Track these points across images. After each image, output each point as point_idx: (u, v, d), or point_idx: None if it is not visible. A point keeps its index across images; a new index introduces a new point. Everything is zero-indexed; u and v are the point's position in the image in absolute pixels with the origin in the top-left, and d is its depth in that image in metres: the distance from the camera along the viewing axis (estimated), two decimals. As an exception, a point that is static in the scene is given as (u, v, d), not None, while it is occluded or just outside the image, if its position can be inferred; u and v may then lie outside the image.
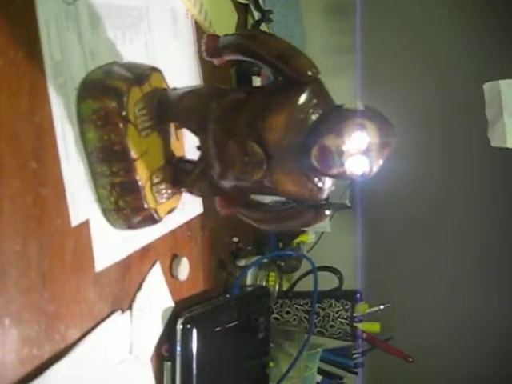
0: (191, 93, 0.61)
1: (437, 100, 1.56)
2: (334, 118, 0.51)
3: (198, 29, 0.94)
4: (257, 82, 1.12)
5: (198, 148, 0.60)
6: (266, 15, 1.22)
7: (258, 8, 1.20)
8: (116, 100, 0.58)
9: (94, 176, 0.61)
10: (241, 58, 0.58)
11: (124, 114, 0.58)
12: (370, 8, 1.47)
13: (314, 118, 0.52)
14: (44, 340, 0.54)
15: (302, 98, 0.52)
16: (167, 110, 0.61)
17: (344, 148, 0.50)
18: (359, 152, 0.51)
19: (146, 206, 0.62)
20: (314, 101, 0.53)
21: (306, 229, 1.31)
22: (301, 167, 0.54)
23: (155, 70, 0.65)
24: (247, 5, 1.20)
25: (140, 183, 0.61)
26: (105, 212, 0.63)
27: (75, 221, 0.59)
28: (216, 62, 0.62)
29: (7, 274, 0.50)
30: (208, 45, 0.62)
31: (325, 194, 0.57)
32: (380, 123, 0.51)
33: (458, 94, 1.51)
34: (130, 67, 0.63)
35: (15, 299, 0.51)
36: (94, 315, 0.63)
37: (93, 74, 0.60)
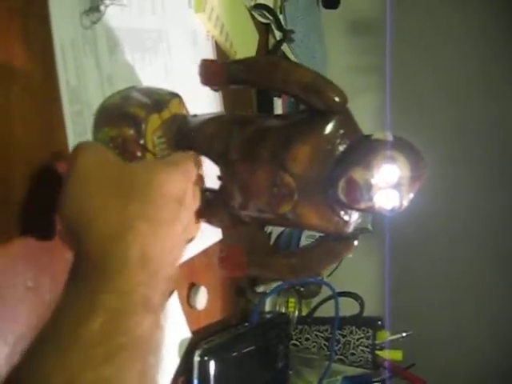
0: (212, 120, 0.58)
1: (472, 120, 1.53)
2: (363, 149, 0.49)
3: (219, 50, 0.92)
4: (278, 103, 1.10)
5: (219, 178, 0.57)
6: (287, 35, 1.20)
7: (280, 28, 1.18)
8: (134, 128, 0.55)
9: None
10: (253, 87, 0.56)
11: (142, 142, 0.55)
12: (397, 26, 1.45)
13: (341, 148, 0.50)
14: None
15: (329, 128, 0.50)
16: (187, 138, 0.58)
17: (373, 181, 0.47)
18: (389, 186, 0.48)
19: None
20: (342, 131, 0.50)
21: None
22: (326, 200, 0.51)
23: (175, 95, 0.63)
24: (268, 24, 1.18)
25: None
26: None
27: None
28: (214, 89, 0.60)
29: (18, 311, 0.48)
30: (206, 72, 0.58)
31: (351, 228, 0.54)
32: (410, 156, 0.48)
33: (493, 111, 1.49)
34: (149, 92, 0.60)
35: (26, 337, 0.48)
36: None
37: (110, 100, 0.58)
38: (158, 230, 0.42)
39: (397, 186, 0.48)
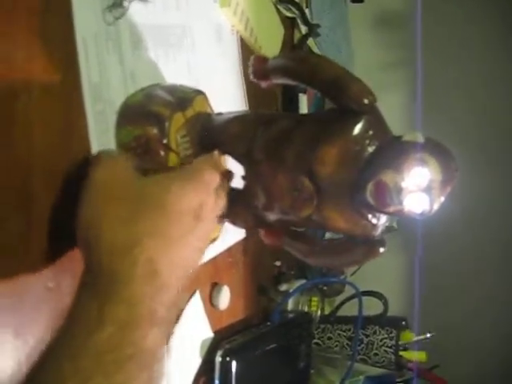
0: (237, 119, 0.57)
1: (504, 118, 1.50)
2: (393, 151, 0.47)
3: (244, 45, 0.90)
4: (303, 99, 1.09)
5: (243, 178, 0.56)
6: (313, 29, 1.18)
7: (306, 22, 1.16)
8: (157, 126, 0.54)
9: None
10: (290, 82, 0.54)
11: (165, 141, 0.54)
12: (427, 20, 1.42)
13: (370, 150, 0.48)
14: None
15: (358, 129, 0.48)
16: (211, 136, 0.57)
17: (403, 185, 0.46)
18: (419, 189, 0.46)
19: None
20: (371, 132, 0.48)
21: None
22: (354, 203, 0.49)
23: (199, 92, 0.62)
24: (294, 19, 1.16)
25: None
26: None
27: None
28: (263, 84, 0.59)
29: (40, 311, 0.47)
30: (255, 66, 0.58)
31: (379, 231, 0.52)
32: (442, 158, 0.47)
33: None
34: (173, 90, 0.59)
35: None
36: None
37: (133, 98, 0.57)
38: (167, 245, 0.43)
39: (427, 190, 0.46)
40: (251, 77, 0.59)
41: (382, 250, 0.53)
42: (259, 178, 0.54)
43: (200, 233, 0.47)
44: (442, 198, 0.47)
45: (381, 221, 0.51)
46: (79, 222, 0.44)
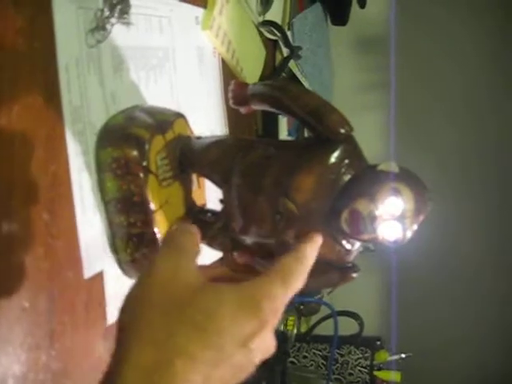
0: (216, 144, 0.58)
1: (475, 139, 1.53)
2: (367, 180, 0.48)
3: (225, 67, 0.91)
4: (283, 122, 1.10)
5: (221, 201, 0.57)
6: (294, 51, 1.19)
7: (287, 44, 1.18)
8: (137, 149, 0.55)
9: (111, 226, 0.58)
10: (269, 109, 0.55)
11: (145, 163, 0.55)
12: (403, 43, 1.44)
13: (345, 178, 0.49)
14: (49, 401, 0.51)
15: (334, 158, 0.49)
16: (190, 160, 0.58)
17: (376, 213, 0.47)
18: (393, 218, 0.47)
19: None
20: (346, 161, 0.49)
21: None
22: (328, 229, 0.50)
23: (179, 115, 0.63)
24: (276, 41, 1.18)
25: (158, 235, 0.58)
26: (120, 263, 0.60)
27: (88, 273, 0.56)
28: (242, 110, 0.60)
29: (13, 331, 0.47)
30: (235, 92, 0.59)
31: (352, 257, 0.53)
32: (416, 188, 0.48)
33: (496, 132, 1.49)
34: (153, 112, 0.60)
35: (20, 358, 0.48)
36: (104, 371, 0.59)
37: (114, 120, 0.57)
38: (197, 370, 0.38)
39: (401, 219, 0.47)
40: (230, 102, 0.59)
41: (355, 275, 0.53)
42: (237, 202, 0.55)
43: (242, 361, 0.40)
44: (415, 227, 0.48)
45: (355, 247, 0.52)
46: (122, 306, 0.42)
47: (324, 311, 1.24)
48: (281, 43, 1.17)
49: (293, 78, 1.24)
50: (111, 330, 0.60)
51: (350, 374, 1.18)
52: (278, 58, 1.20)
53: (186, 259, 0.43)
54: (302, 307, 1.24)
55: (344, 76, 1.63)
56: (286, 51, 1.19)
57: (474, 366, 1.50)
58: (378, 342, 1.21)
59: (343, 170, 0.49)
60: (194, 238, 0.46)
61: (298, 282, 0.44)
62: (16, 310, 0.47)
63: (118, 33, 0.60)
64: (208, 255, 0.79)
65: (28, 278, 0.48)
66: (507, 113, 1.53)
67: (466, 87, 1.56)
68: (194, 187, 0.64)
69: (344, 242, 0.51)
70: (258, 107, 0.58)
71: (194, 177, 0.64)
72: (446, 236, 1.45)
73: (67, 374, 0.53)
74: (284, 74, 1.20)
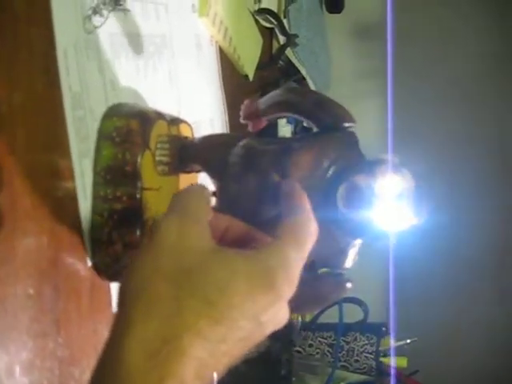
0: (218, 136, 0.60)
1: (472, 126, 1.53)
2: (367, 162, 0.48)
3: (223, 55, 0.91)
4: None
5: (213, 194, 0.56)
6: (291, 39, 1.19)
7: (284, 32, 1.18)
8: (141, 123, 0.57)
9: (94, 202, 0.56)
10: (282, 114, 0.56)
11: (145, 137, 0.56)
12: (400, 31, 1.44)
13: (343, 163, 0.49)
14: (57, 388, 0.51)
15: (334, 143, 0.49)
16: (190, 153, 0.60)
17: (375, 187, 0.46)
18: (391, 197, 0.46)
19: None
20: (346, 151, 0.49)
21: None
22: (323, 216, 0.47)
23: (186, 122, 0.66)
24: (272, 29, 1.17)
25: (144, 216, 0.56)
26: (93, 245, 0.56)
27: (92, 259, 0.56)
28: (250, 127, 0.59)
29: (19, 319, 0.47)
30: (248, 110, 0.58)
31: (346, 261, 0.51)
32: (416, 176, 0.47)
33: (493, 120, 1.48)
34: (166, 114, 0.63)
35: (27, 346, 0.48)
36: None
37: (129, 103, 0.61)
38: (204, 346, 0.36)
39: (399, 198, 0.46)
40: (241, 118, 0.59)
41: (349, 285, 0.50)
42: (229, 193, 0.53)
43: (255, 336, 0.39)
44: (414, 209, 0.47)
45: (349, 247, 0.50)
46: (126, 276, 0.39)
47: (328, 299, 1.23)
48: (277, 31, 1.17)
49: (290, 65, 1.24)
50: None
51: (356, 361, 1.17)
52: (275, 46, 1.20)
53: (193, 222, 0.40)
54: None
55: (340, 63, 1.63)
56: (282, 39, 1.19)
57: (478, 345, 1.50)
58: (384, 328, 1.21)
59: (341, 159, 0.49)
60: (203, 198, 0.43)
61: (311, 237, 0.41)
62: (21, 297, 0.47)
63: (116, 19, 0.60)
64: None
65: (32, 264, 0.48)
66: (506, 100, 1.53)
67: (462, 74, 1.56)
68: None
69: (337, 235, 0.48)
70: (269, 117, 0.57)
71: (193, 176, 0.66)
72: (448, 223, 1.46)
73: (74, 362, 0.53)
74: (281, 62, 1.20)
